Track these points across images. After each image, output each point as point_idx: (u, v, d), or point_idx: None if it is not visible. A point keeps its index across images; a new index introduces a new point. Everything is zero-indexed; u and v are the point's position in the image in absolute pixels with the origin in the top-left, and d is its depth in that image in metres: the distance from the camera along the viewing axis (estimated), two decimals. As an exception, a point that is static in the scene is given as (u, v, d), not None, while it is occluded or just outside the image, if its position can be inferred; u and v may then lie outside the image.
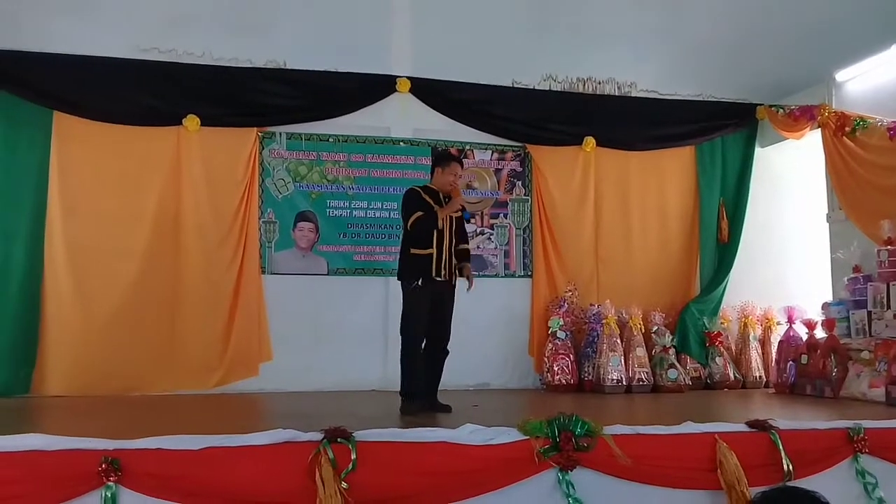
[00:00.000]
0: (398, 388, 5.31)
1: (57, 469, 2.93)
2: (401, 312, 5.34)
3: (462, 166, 5.65)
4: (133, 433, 3.14)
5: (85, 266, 6.58)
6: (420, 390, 5.25)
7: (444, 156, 5.98)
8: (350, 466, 3.09)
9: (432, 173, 5.56)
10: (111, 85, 6.73)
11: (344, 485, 3.05)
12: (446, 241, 5.31)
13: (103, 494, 2.90)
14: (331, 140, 7.29)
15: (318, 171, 7.25)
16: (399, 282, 5.41)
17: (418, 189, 5.46)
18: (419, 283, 5.22)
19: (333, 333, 6.97)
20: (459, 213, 5.45)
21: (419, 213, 5.26)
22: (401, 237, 5.49)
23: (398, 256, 5.50)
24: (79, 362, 6.43)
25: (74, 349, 6.45)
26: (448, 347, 5.39)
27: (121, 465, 2.94)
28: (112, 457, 2.94)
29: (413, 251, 5.30)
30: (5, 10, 6.37)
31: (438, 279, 5.27)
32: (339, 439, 3.15)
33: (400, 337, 5.31)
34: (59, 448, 2.98)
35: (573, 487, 3.32)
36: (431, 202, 5.35)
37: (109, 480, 2.91)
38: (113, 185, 6.71)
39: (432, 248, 5.26)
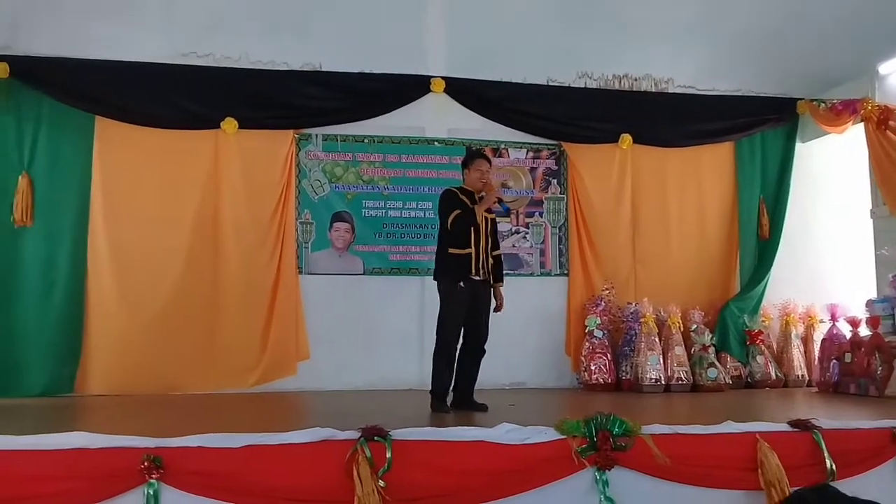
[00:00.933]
0: (432, 387, 5.32)
1: (100, 467, 2.99)
2: (438, 312, 5.33)
3: (489, 161, 5.63)
4: (174, 431, 3.19)
5: (127, 267, 6.71)
6: (447, 389, 5.25)
7: (470, 154, 5.97)
8: (387, 465, 3.11)
9: (463, 175, 5.57)
10: (151, 89, 6.85)
11: (381, 483, 3.06)
12: (483, 241, 5.32)
13: (146, 492, 2.95)
14: (366, 141, 7.33)
15: (354, 171, 7.30)
16: (435, 281, 5.42)
17: (455, 190, 5.47)
18: (461, 283, 5.22)
19: (370, 333, 7.00)
20: (494, 211, 5.46)
21: (458, 211, 5.27)
22: (437, 237, 5.49)
23: (434, 257, 5.49)
24: (121, 362, 6.55)
25: (117, 349, 6.57)
26: (485, 347, 5.39)
27: (163, 462, 2.98)
28: (154, 455, 2.99)
29: (451, 251, 5.30)
30: (46, 17, 6.51)
31: (477, 278, 5.28)
32: (376, 438, 3.16)
33: (435, 336, 5.32)
34: (102, 446, 3.04)
35: (610, 487, 3.30)
36: (468, 202, 5.36)
37: (152, 478, 2.95)
38: (153, 188, 6.83)
39: (471, 247, 5.26)
